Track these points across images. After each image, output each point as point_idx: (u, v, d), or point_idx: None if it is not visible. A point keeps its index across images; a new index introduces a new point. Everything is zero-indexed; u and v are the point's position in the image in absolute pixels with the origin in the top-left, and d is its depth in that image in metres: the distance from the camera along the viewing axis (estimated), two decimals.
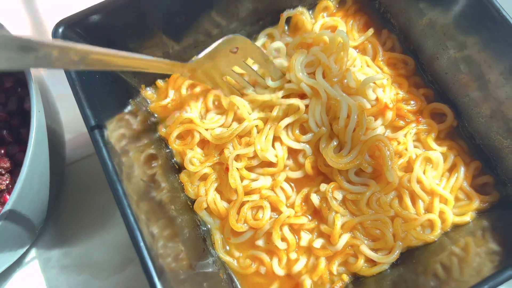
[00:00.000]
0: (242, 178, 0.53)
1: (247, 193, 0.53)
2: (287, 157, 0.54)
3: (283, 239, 0.52)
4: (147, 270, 0.38)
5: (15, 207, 0.46)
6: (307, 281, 0.50)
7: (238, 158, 0.53)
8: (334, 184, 0.51)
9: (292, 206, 0.53)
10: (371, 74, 0.55)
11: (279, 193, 0.53)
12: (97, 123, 0.44)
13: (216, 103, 0.57)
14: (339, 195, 0.51)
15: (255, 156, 0.53)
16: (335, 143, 0.52)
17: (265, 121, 0.54)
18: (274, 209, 0.53)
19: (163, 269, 0.39)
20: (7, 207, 0.45)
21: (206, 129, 0.55)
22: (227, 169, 0.52)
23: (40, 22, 0.72)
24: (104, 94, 0.49)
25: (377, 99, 0.54)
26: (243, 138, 0.54)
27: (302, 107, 0.52)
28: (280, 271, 0.51)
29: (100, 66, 0.37)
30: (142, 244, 0.39)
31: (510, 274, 0.39)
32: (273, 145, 0.54)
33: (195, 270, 0.46)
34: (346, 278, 0.50)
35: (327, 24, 0.60)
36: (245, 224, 0.52)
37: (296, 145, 0.53)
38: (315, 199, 0.52)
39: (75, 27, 0.47)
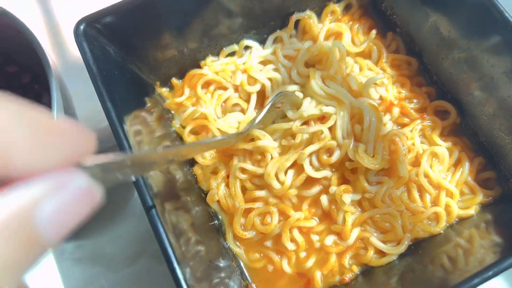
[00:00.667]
0: (244, 189, 0.54)
1: (251, 200, 0.54)
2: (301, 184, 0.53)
3: (292, 240, 0.53)
4: (168, 257, 0.39)
5: None
6: (317, 273, 0.52)
7: (244, 170, 0.54)
8: (344, 187, 0.52)
9: (299, 209, 0.54)
10: (372, 76, 0.57)
11: (285, 200, 0.54)
12: (117, 116, 0.45)
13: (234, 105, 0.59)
14: (347, 199, 0.52)
15: (261, 176, 0.53)
16: (363, 146, 0.51)
17: (287, 148, 0.53)
18: (282, 213, 0.54)
19: (181, 255, 0.41)
20: None
21: (219, 129, 0.56)
22: (228, 176, 0.54)
23: (54, 20, 0.74)
24: (123, 90, 0.51)
25: (381, 98, 0.57)
26: (255, 155, 0.54)
27: (327, 132, 0.52)
28: (289, 270, 0.53)
29: (187, 157, 0.49)
30: (162, 231, 0.40)
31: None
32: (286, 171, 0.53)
33: (210, 258, 0.47)
34: (356, 269, 0.52)
35: (332, 30, 0.62)
36: (252, 231, 0.53)
37: (318, 175, 0.53)
38: (324, 200, 0.53)
39: (95, 24, 0.49)
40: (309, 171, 0.52)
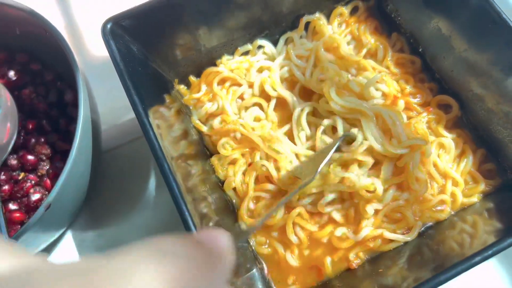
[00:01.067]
0: (257, 180, 0.57)
1: (262, 190, 0.57)
2: None
3: (296, 234, 0.55)
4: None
5: (61, 191, 0.47)
6: (327, 259, 0.54)
7: (263, 166, 0.56)
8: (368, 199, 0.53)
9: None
10: (371, 76, 0.60)
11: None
12: (144, 109, 0.48)
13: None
14: (371, 210, 0.53)
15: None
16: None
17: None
18: (288, 208, 0.56)
19: None
20: (54, 191, 0.47)
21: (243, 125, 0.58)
22: (250, 164, 0.57)
23: (73, 21, 0.77)
24: (145, 85, 0.54)
25: (384, 94, 0.60)
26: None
27: (355, 179, 0.52)
28: (295, 262, 0.55)
29: None
30: (186, 213, 0.44)
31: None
32: None
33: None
34: (363, 256, 0.54)
35: (327, 43, 0.63)
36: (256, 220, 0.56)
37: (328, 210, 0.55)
38: (337, 216, 0.55)
39: (121, 23, 0.53)
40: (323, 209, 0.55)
